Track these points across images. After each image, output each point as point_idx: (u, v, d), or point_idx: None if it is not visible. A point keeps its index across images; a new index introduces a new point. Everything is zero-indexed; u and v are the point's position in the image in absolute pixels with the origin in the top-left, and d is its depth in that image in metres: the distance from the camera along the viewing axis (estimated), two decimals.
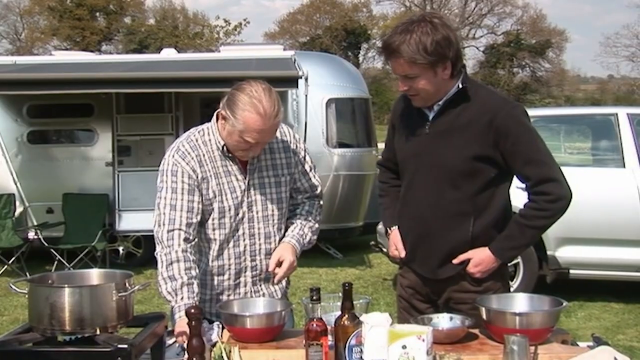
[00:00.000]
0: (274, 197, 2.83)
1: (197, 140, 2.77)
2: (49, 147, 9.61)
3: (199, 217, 2.72)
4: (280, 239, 2.87)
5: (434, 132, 2.76)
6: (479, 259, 2.75)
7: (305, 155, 2.94)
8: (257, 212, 2.81)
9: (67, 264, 8.40)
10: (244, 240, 2.81)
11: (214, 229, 2.78)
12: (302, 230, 2.91)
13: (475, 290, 2.77)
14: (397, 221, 2.94)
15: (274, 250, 2.83)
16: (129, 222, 9.02)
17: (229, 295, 2.84)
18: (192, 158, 2.73)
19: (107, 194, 9.15)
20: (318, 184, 3.00)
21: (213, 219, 2.76)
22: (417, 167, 2.81)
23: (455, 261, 2.78)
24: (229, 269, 2.83)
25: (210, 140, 2.78)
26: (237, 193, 2.77)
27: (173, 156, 2.74)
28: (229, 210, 2.76)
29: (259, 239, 2.83)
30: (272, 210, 2.83)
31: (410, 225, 2.87)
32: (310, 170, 2.97)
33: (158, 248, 2.69)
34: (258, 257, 2.84)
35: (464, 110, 2.71)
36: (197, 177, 2.72)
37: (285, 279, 2.93)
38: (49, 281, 2.36)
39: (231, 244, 2.80)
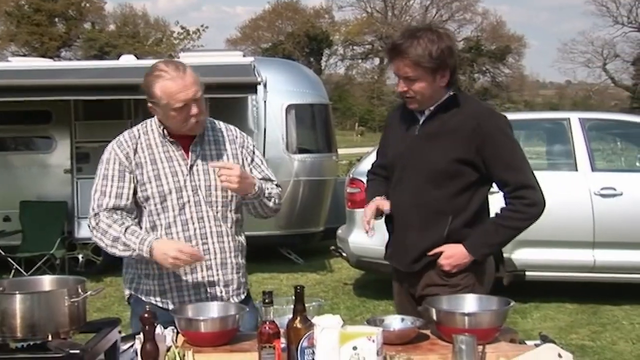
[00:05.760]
0: (218, 183, 2.87)
1: (137, 131, 2.93)
2: (6, 155, 9.46)
3: (128, 202, 2.85)
4: (232, 224, 2.93)
5: (423, 134, 2.95)
6: (451, 252, 2.90)
7: (254, 150, 3.04)
8: (202, 197, 2.87)
9: (24, 273, 8.25)
10: (193, 224, 2.86)
11: (157, 214, 2.85)
12: (264, 183, 2.95)
13: (443, 284, 2.92)
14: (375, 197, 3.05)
15: (226, 233, 2.90)
16: (89, 229, 8.90)
17: (186, 280, 2.86)
18: (129, 146, 2.88)
19: (66, 202, 9.04)
20: (273, 176, 3.06)
21: (155, 204, 2.84)
22: (404, 166, 2.98)
23: (429, 253, 2.92)
24: None
25: (152, 129, 2.92)
26: (178, 177, 2.86)
27: (112, 146, 2.92)
28: (170, 193, 2.84)
29: (209, 222, 2.88)
30: (217, 197, 2.89)
31: (394, 221, 3.04)
32: (262, 162, 3.05)
33: (92, 232, 2.88)
34: (210, 240, 2.88)
35: (453, 116, 2.91)
36: (131, 164, 2.85)
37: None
38: (0, 288, 2.35)
39: (179, 228, 2.85)
